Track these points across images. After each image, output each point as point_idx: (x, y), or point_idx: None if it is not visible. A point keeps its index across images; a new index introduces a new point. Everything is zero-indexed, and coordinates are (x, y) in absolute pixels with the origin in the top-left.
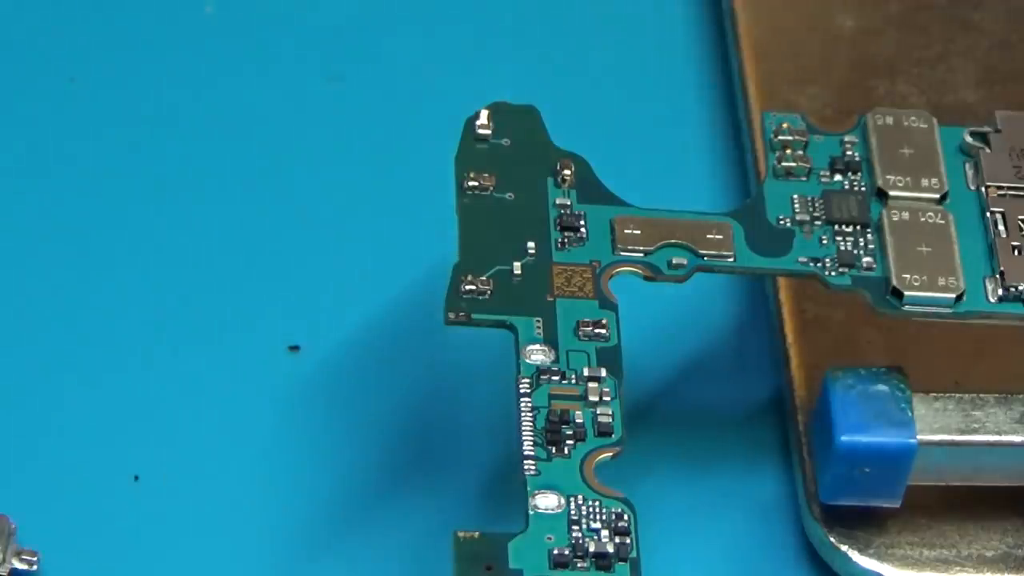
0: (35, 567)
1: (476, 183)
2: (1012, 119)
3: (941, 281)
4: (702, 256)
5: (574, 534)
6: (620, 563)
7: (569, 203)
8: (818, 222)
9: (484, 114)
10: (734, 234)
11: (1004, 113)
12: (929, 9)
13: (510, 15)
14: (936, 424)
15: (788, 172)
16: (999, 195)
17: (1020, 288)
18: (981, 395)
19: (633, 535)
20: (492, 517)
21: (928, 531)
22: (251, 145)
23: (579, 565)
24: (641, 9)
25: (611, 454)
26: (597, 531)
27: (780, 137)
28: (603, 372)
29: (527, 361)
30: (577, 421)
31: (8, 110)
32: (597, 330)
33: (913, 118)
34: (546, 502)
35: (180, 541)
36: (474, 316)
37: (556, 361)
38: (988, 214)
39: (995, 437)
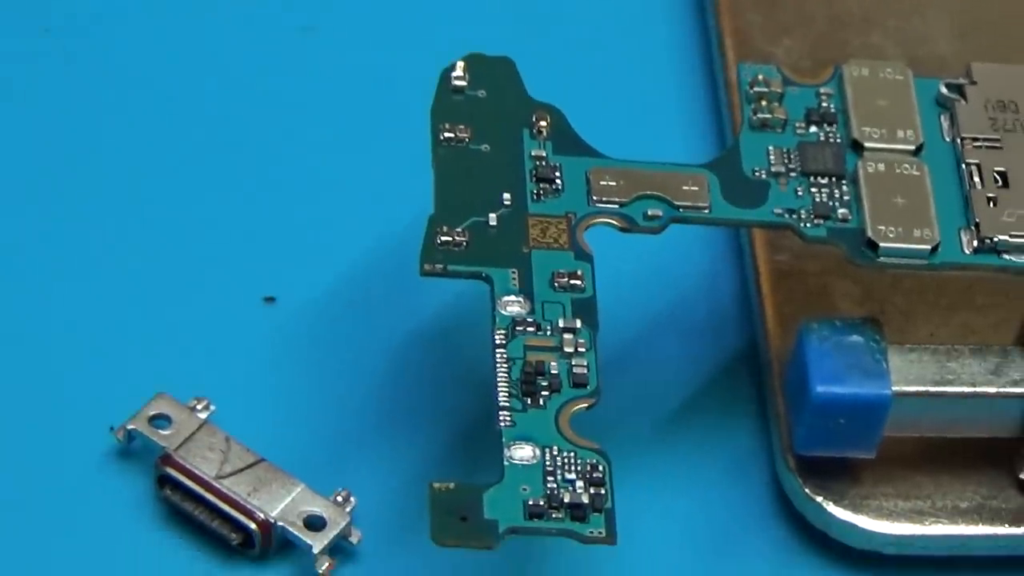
0: None
1: (452, 135)
2: (987, 71)
3: (916, 232)
4: (678, 207)
5: (549, 485)
6: (595, 514)
7: (545, 155)
8: (793, 173)
9: (460, 66)
10: (709, 185)
11: (979, 65)
12: None
13: None
14: (911, 375)
15: (763, 124)
16: (974, 147)
17: (995, 239)
18: (956, 347)
19: (608, 486)
20: (468, 468)
21: (903, 482)
22: (224, 96)
23: (554, 516)
24: None
25: (586, 405)
26: (572, 482)
27: (756, 89)
28: (578, 323)
29: (502, 312)
30: (552, 372)
31: None
32: (572, 281)
33: (889, 70)
34: (521, 453)
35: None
36: (450, 267)
37: (532, 312)
38: (963, 166)
39: (970, 388)
